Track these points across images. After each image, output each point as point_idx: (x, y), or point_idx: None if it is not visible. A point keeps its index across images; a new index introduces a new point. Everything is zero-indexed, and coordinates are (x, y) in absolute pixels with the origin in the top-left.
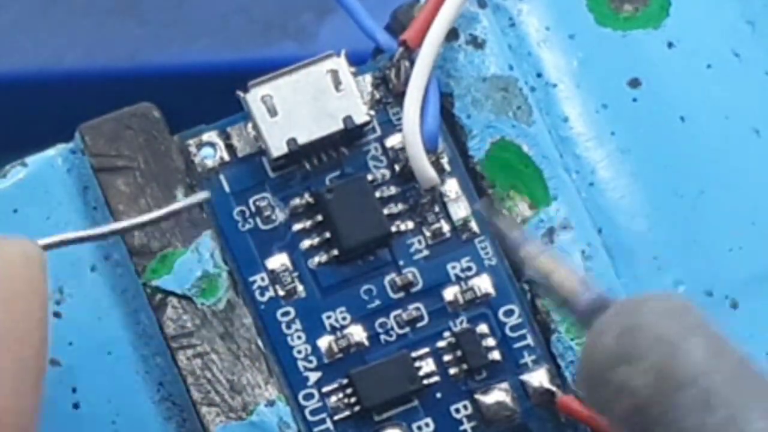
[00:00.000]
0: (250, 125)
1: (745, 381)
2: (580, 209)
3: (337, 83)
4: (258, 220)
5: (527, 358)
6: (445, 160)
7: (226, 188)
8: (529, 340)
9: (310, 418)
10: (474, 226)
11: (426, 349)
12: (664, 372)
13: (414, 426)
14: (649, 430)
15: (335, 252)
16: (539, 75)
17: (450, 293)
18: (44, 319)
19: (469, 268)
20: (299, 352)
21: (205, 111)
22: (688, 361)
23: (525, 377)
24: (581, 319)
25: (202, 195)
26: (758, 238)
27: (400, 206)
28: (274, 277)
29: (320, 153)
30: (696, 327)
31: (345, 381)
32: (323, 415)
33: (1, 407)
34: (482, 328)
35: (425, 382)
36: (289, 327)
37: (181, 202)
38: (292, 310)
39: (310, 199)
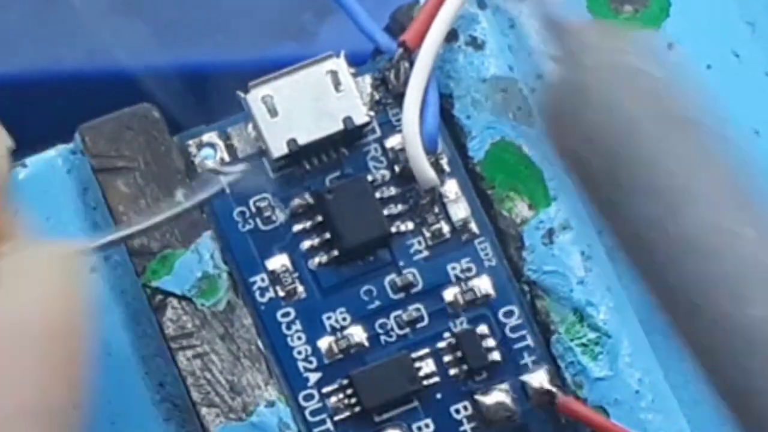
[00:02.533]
0: (250, 126)
1: None
2: (580, 210)
3: (337, 84)
4: (258, 220)
5: (527, 359)
6: (444, 161)
7: (226, 189)
8: (529, 341)
9: (310, 418)
10: (474, 226)
11: (426, 350)
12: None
13: (414, 427)
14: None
15: (335, 253)
16: (539, 76)
17: (450, 294)
18: (82, 320)
19: (469, 269)
20: (299, 352)
21: (205, 111)
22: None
23: (525, 378)
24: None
25: (217, 186)
26: None
27: (400, 207)
28: (275, 277)
29: (320, 154)
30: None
31: (345, 382)
32: (323, 416)
33: (28, 401)
34: (482, 328)
35: (425, 382)
36: (289, 328)
37: (204, 193)
38: (292, 310)
39: (310, 200)
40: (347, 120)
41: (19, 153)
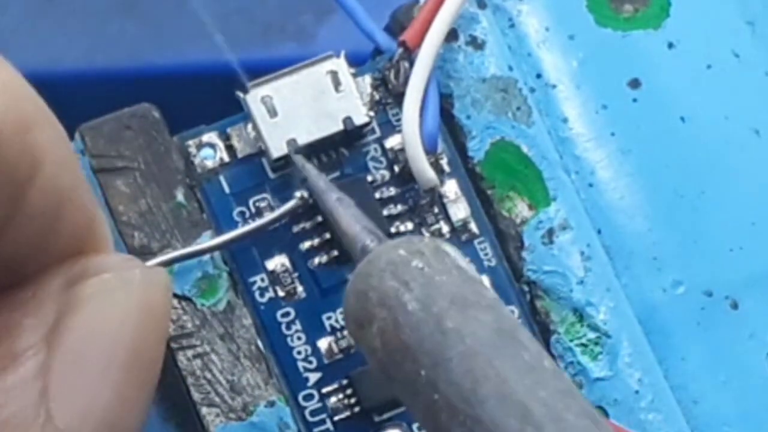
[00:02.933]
0: (249, 126)
1: (449, 328)
2: (579, 210)
3: (337, 84)
4: (258, 220)
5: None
6: (444, 161)
7: (226, 189)
8: None
9: (310, 418)
10: (474, 227)
11: None
12: (386, 335)
13: (414, 426)
14: (395, 388)
15: (335, 253)
16: (539, 76)
17: None
18: (164, 347)
19: None
20: (299, 352)
21: (205, 111)
22: (404, 317)
23: None
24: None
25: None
26: (758, 238)
27: (400, 207)
28: (274, 277)
29: (320, 154)
30: (412, 279)
31: (345, 382)
32: (323, 416)
33: (122, 428)
34: None
35: None
36: (289, 328)
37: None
38: (292, 310)
39: (310, 200)
40: (347, 120)
41: None
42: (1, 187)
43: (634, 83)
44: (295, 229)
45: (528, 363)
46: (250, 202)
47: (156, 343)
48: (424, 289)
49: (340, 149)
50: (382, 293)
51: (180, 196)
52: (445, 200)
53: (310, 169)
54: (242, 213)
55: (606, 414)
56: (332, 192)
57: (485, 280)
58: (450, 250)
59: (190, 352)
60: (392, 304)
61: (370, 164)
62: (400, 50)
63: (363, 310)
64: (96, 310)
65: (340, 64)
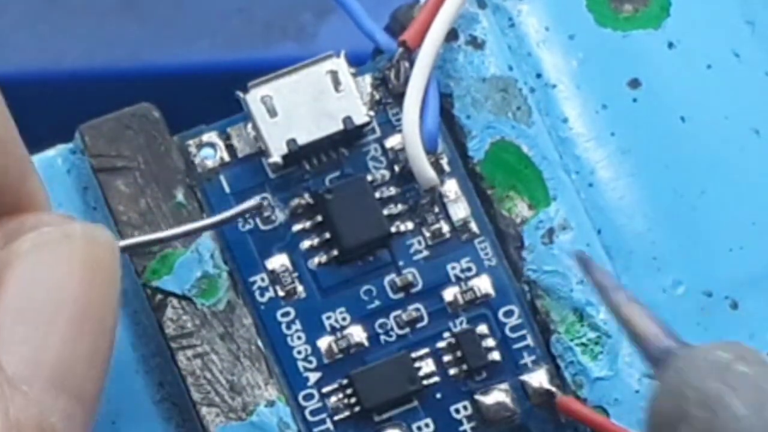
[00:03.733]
0: (249, 126)
1: None
2: (579, 210)
3: (337, 84)
4: (258, 220)
5: (527, 359)
6: (444, 161)
7: (226, 189)
8: (529, 341)
9: (310, 418)
10: (474, 226)
11: (426, 350)
12: None
13: (414, 426)
14: None
15: (335, 252)
16: (539, 75)
17: (450, 294)
18: (117, 306)
19: (468, 269)
20: (299, 352)
21: (205, 111)
22: (729, 421)
23: (525, 378)
24: (654, 368)
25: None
26: (758, 238)
27: (400, 207)
28: (274, 277)
29: (320, 154)
30: (738, 382)
31: (345, 381)
32: (323, 416)
33: (78, 390)
34: (482, 328)
35: (425, 382)
36: (289, 327)
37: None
38: (292, 310)
39: (310, 200)
40: (347, 120)
41: None
42: None
43: (634, 83)
44: (295, 228)
45: None
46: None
47: (105, 298)
48: (754, 394)
49: (340, 149)
50: (703, 393)
51: (180, 196)
52: (445, 200)
53: (595, 269)
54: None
55: (606, 414)
56: (619, 290)
57: (486, 279)
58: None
59: (189, 352)
60: (715, 406)
61: (371, 164)
62: (401, 50)
63: (676, 407)
64: (37, 262)
65: (340, 64)
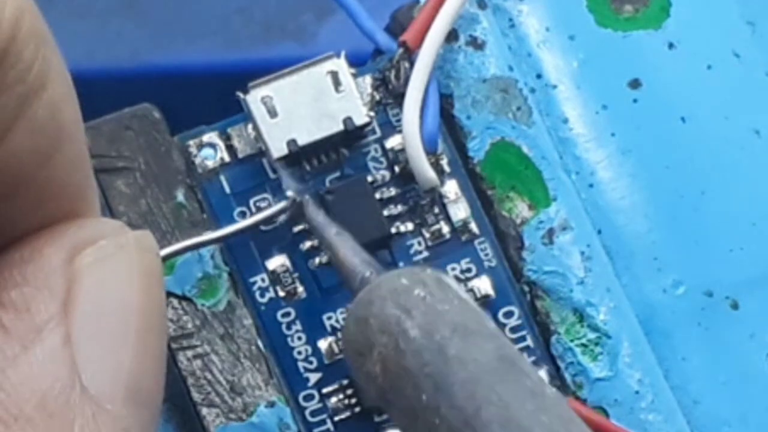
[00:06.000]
0: (250, 126)
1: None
2: (579, 210)
3: (337, 84)
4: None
5: (527, 359)
6: (444, 162)
7: (227, 189)
8: (529, 341)
9: (310, 419)
10: (474, 227)
11: None
12: (387, 361)
13: None
14: (393, 414)
15: None
16: (539, 76)
17: None
18: (166, 310)
19: (468, 270)
20: (299, 353)
21: (206, 111)
22: (405, 344)
23: None
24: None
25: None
26: (758, 239)
27: (400, 207)
28: (275, 278)
29: (320, 154)
30: (414, 307)
31: (345, 382)
32: (323, 416)
33: (149, 401)
34: None
35: None
36: (289, 328)
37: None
38: (292, 311)
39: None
40: (347, 120)
41: None
42: (15, 82)
43: (635, 83)
44: (295, 229)
45: (530, 389)
46: (251, 202)
47: (160, 305)
48: (427, 317)
49: (341, 149)
50: (383, 320)
51: (180, 196)
52: (445, 200)
53: (309, 204)
54: (243, 213)
55: (606, 414)
56: (331, 227)
57: (486, 280)
58: (451, 282)
59: (190, 353)
60: (394, 331)
61: (371, 164)
62: (401, 50)
63: (363, 336)
64: (101, 279)
65: (340, 65)
